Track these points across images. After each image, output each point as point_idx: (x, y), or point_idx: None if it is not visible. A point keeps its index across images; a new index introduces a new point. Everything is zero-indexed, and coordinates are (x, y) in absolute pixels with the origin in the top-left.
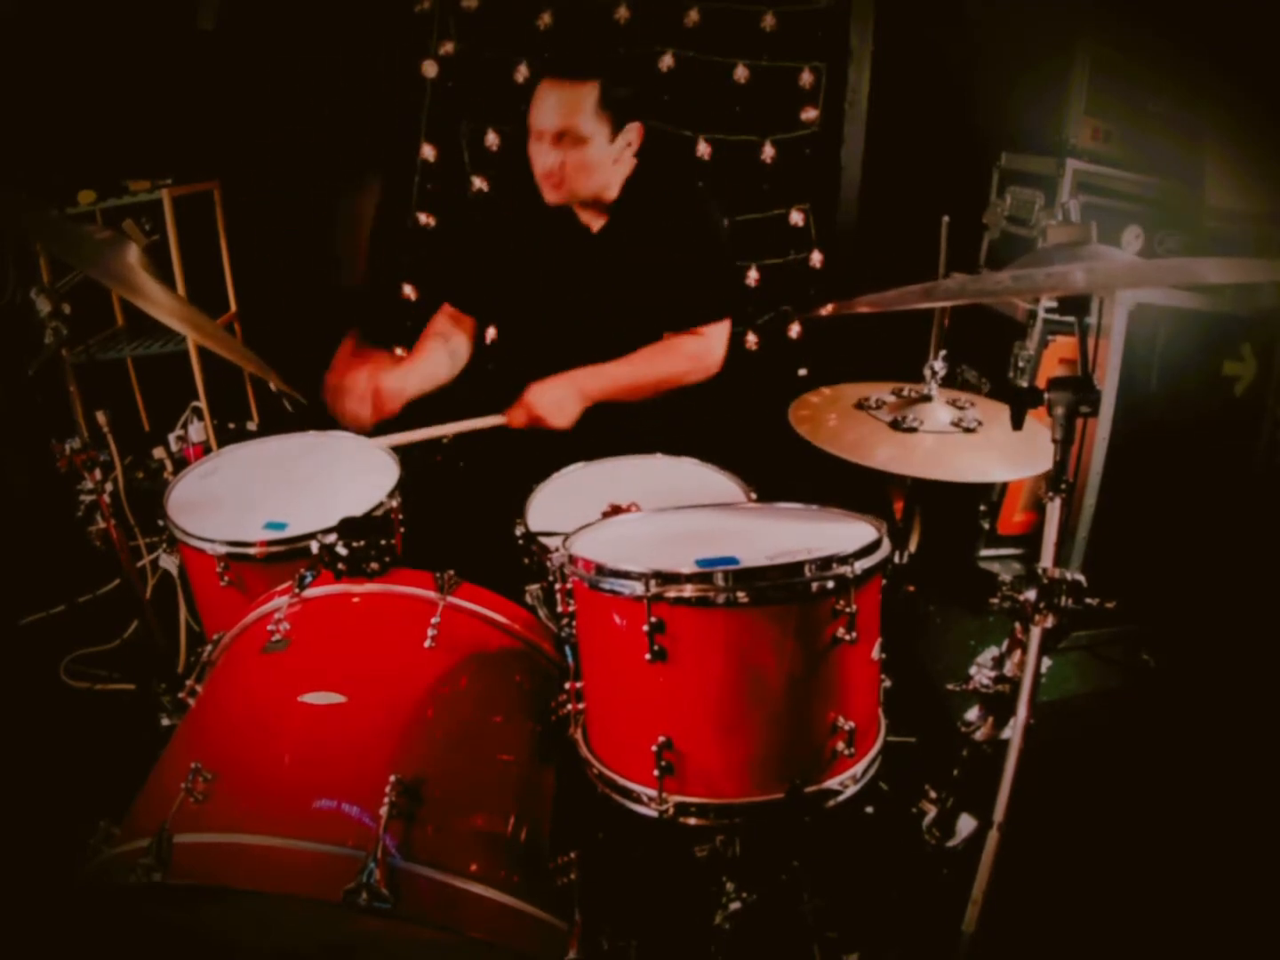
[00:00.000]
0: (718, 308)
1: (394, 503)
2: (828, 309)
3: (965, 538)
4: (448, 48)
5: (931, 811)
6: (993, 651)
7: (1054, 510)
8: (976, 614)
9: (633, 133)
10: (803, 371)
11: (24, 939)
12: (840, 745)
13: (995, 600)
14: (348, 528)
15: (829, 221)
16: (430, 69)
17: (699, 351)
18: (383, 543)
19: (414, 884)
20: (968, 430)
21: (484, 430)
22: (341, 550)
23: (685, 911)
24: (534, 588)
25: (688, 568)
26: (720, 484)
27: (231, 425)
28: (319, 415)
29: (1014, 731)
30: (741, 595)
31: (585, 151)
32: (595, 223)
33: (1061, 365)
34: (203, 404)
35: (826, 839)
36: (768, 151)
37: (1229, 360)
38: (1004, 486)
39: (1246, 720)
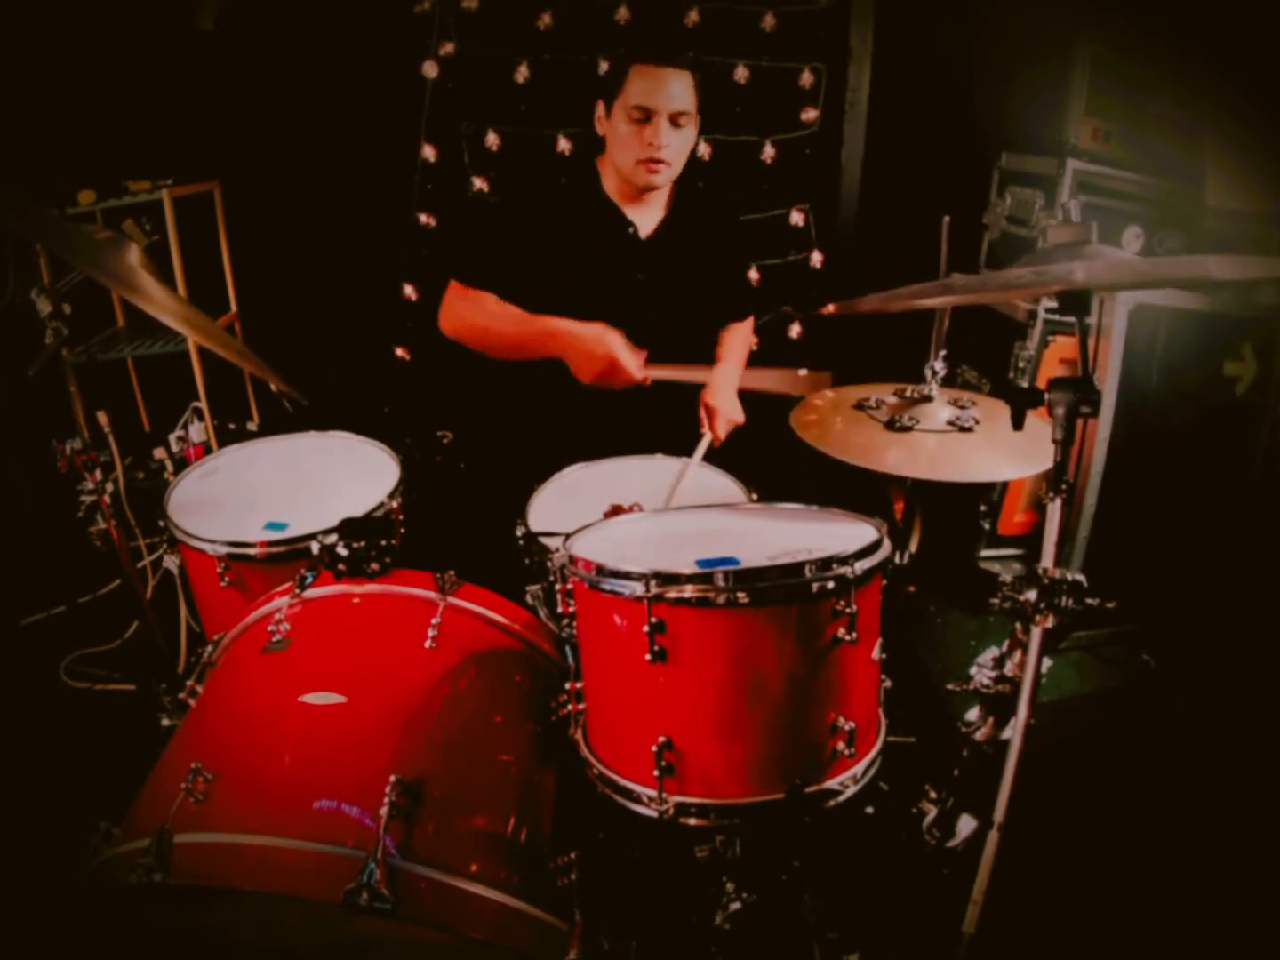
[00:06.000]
0: (755, 295)
1: (394, 503)
2: (829, 309)
3: (966, 538)
4: (448, 48)
5: (931, 811)
6: (993, 652)
7: (1054, 510)
8: (977, 614)
9: (697, 122)
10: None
11: (24, 939)
12: (840, 745)
13: (996, 600)
14: (348, 528)
15: (829, 221)
16: (430, 69)
17: (749, 332)
18: (383, 543)
19: (414, 884)
20: (964, 430)
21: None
22: (342, 551)
23: (685, 912)
24: (534, 588)
25: (688, 568)
26: (720, 484)
27: (231, 425)
28: (319, 415)
29: (1014, 732)
30: (742, 596)
31: (690, 133)
32: (647, 225)
33: (1062, 365)
34: (203, 404)
35: (826, 839)
36: (768, 151)
37: (1229, 360)
38: (1004, 487)
39: (1246, 720)
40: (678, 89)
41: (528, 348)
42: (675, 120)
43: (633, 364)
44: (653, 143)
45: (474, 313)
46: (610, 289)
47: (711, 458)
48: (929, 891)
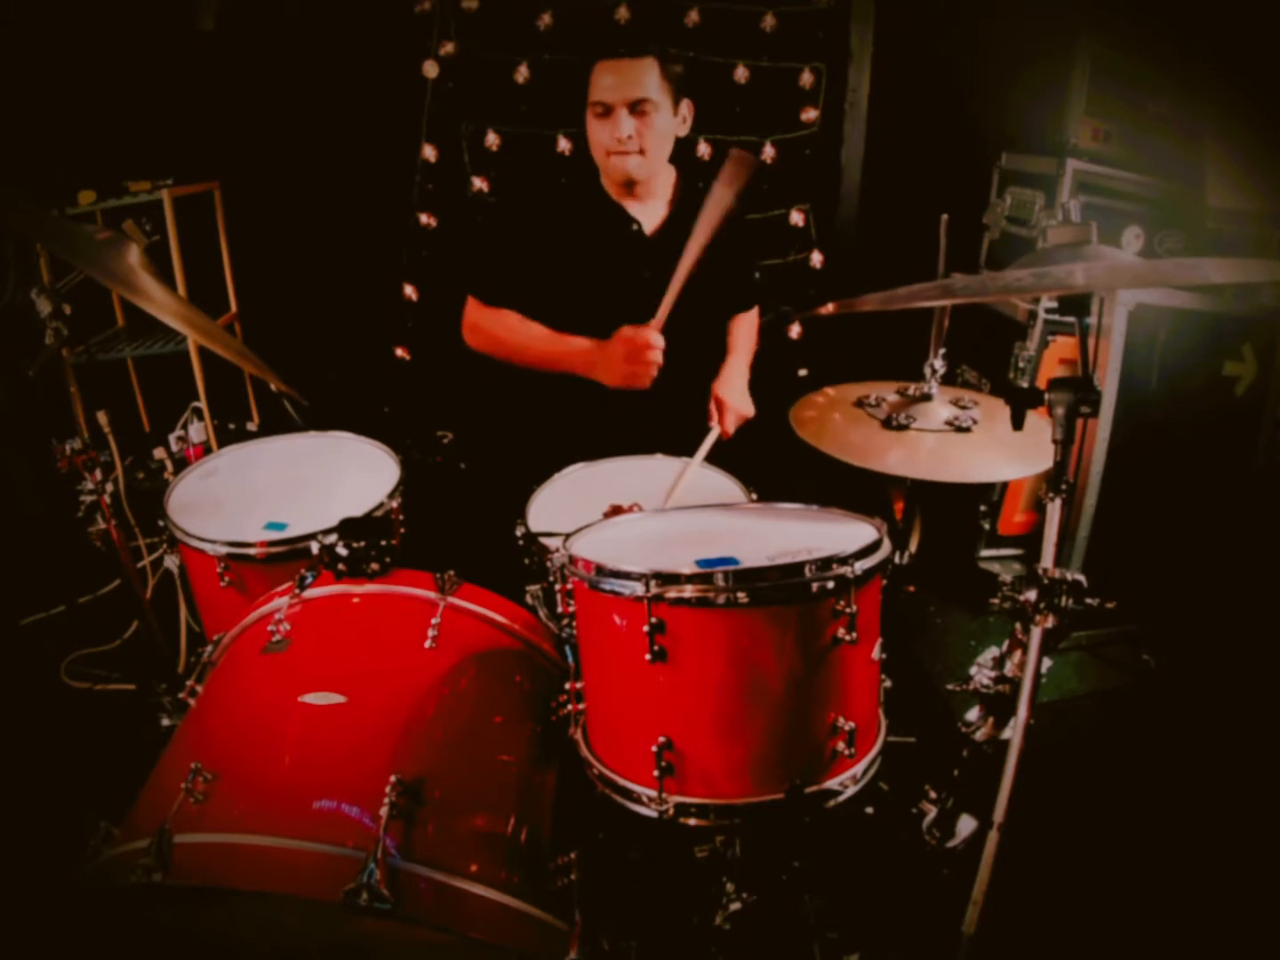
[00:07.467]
0: (761, 286)
1: (394, 503)
2: (828, 308)
3: (966, 538)
4: (448, 48)
5: (931, 811)
6: (993, 651)
7: (1054, 510)
8: (977, 614)
9: (686, 108)
10: (803, 372)
11: (24, 939)
12: (840, 745)
13: (996, 600)
14: (348, 528)
15: (829, 221)
16: (430, 69)
17: (755, 322)
18: (383, 543)
19: (414, 884)
20: (961, 430)
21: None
22: (342, 551)
23: (685, 912)
24: (534, 588)
25: (688, 568)
26: (720, 484)
27: (232, 425)
28: (318, 416)
29: (1014, 731)
30: (742, 596)
31: (656, 119)
32: (651, 221)
33: (1062, 365)
34: (203, 404)
35: (826, 839)
36: (768, 152)
37: (1229, 360)
38: (1004, 487)
39: (1246, 720)
40: (633, 78)
41: (556, 366)
42: (635, 109)
43: (643, 333)
44: (615, 135)
45: (500, 329)
46: (618, 287)
47: (711, 458)
48: (929, 891)
